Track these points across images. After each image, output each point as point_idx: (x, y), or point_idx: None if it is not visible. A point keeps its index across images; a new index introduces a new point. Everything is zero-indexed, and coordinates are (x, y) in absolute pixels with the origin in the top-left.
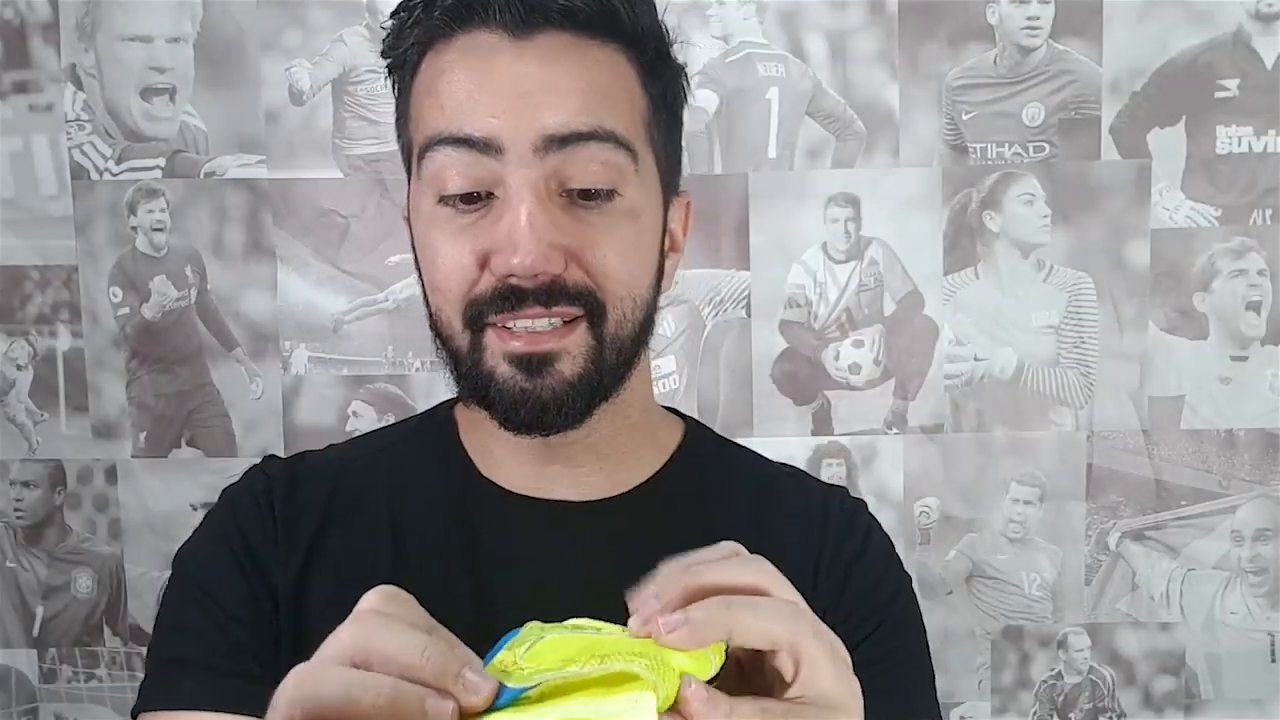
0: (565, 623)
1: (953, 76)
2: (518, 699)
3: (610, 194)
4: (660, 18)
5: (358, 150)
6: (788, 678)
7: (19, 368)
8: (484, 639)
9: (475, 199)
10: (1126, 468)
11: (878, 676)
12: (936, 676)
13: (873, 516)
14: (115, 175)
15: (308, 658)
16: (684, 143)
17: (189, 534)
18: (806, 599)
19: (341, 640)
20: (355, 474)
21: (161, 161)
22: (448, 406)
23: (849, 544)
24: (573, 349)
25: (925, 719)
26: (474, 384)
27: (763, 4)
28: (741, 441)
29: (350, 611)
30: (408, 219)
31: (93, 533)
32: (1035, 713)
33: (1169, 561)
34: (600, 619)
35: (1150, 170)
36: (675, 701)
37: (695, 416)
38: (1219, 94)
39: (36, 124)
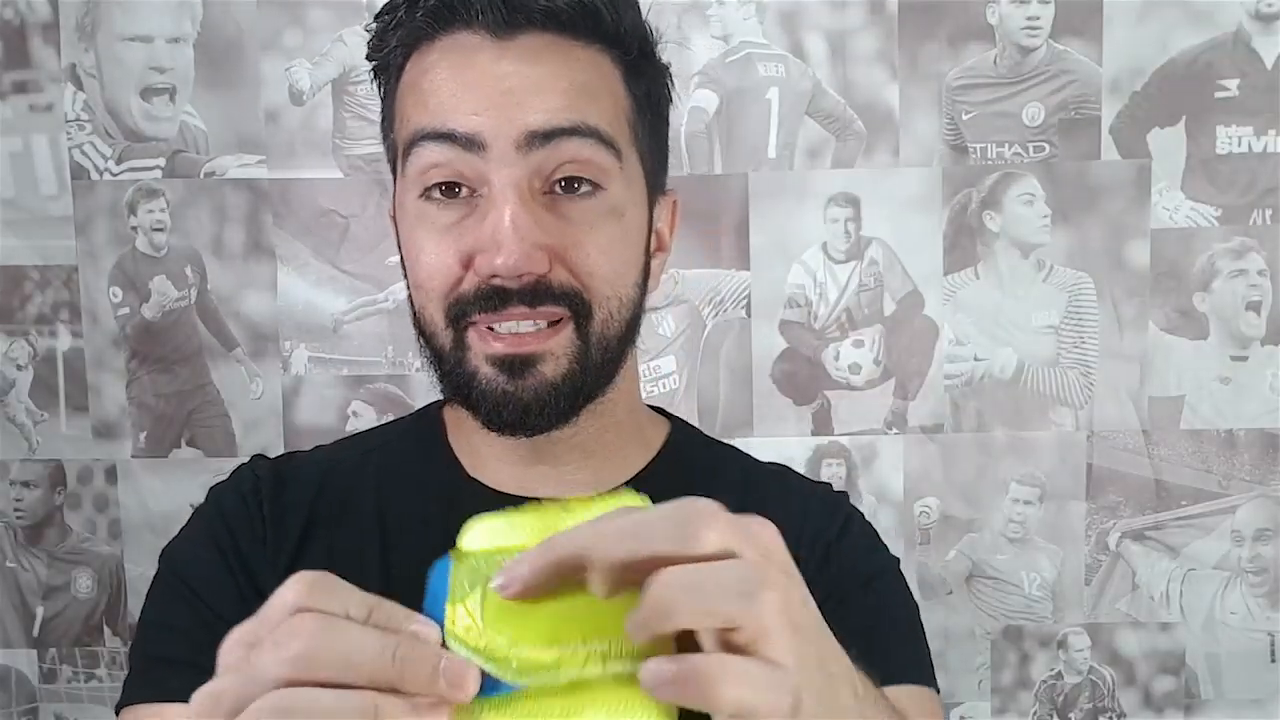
0: (480, 517)
1: (953, 76)
2: (510, 696)
3: (594, 190)
4: (644, 18)
5: (358, 150)
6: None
7: (19, 368)
8: None
9: (457, 191)
10: (1126, 468)
11: (860, 645)
12: (937, 676)
13: (855, 507)
14: (115, 175)
15: None
16: (684, 143)
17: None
18: None
19: (288, 652)
20: (343, 475)
21: (161, 161)
22: (438, 406)
23: (829, 529)
24: (557, 350)
25: (912, 684)
26: (456, 383)
27: (763, 4)
28: (742, 441)
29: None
30: (394, 217)
31: (93, 533)
32: (1035, 713)
33: (1169, 561)
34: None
35: (1150, 170)
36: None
37: (695, 417)
38: (1219, 94)
39: (36, 124)
